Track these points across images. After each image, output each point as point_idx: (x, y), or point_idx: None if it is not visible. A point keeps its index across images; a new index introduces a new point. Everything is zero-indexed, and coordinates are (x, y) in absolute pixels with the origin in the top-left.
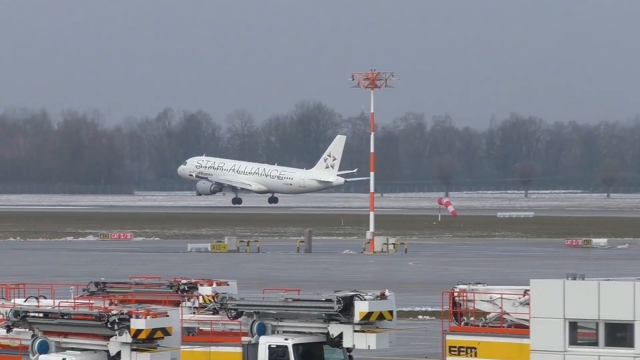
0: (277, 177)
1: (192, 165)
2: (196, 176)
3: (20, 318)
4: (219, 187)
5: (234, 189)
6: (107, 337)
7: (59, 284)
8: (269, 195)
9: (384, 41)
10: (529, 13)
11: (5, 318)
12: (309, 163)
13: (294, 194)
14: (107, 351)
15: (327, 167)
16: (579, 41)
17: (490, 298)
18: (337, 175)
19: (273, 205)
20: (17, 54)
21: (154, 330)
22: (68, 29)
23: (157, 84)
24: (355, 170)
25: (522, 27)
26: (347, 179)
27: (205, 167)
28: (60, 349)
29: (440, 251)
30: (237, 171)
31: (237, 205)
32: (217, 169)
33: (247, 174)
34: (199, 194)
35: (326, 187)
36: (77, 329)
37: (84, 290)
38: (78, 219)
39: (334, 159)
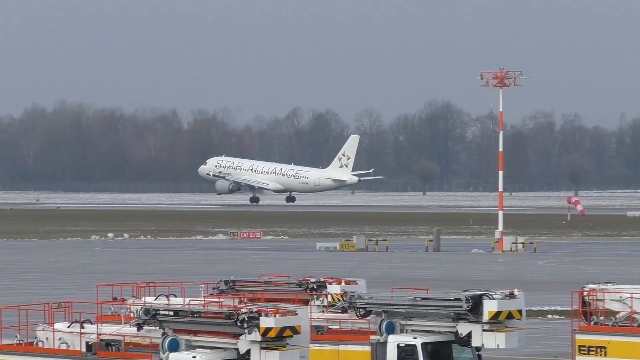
0: (294, 176)
1: (212, 165)
2: (213, 175)
3: (151, 316)
4: (237, 187)
5: (251, 188)
6: (236, 336)
7: (189, 282)
8: (287, 194)
9: (513, 40)
10: None
11: (136, 316)
12: (438, 162)
13: (310, 192)
14: (237, 349)
15: (341, 166)
16: None
17: (620, 297)
18: (352, 174)
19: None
20: (145, 54)
21: (283, 329)
22: (198, 31)
23: (286, 83)
24: (371, 170)
25: None
26: (362, 178)
27: (225, 167)
28: (190, 347)
29: (570, 250)
30: (255, 171)
31: (254, 204)
32: (236, 168)
33: (265, 173)
34: (219, 194)
35: (340, 185)
36: (206, 327)
37: (213, 288)
38: (208, 218)
39: (348, 158)
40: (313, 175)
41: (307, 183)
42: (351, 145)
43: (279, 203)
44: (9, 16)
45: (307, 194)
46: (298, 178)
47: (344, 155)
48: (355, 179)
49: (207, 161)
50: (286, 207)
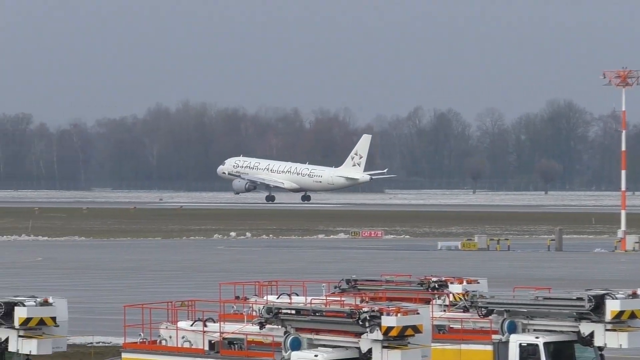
0: (308, 175)
1: (230, 165)
2: (229, 174)
3: (273, 315)
4: (253, 185)
5: (267, 187)
6: (358, 334)
7: (310, 281)
8: (302, 193)
9: (636, 38)
10: None
11: (258, 315)
12: (560, 161)
13: (324, 191)
14: (358, 348)
15: (353, 165)
16: None
17: None
18: (366, 173)
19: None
20: (267, 55)
21: (405, 328)
22: (319, 32)
23: (407, 83)
24: (385, 170)
25: None
26: (373, 177)
27: (242, 166)
28: (312, 345)
29: None
30: (271, 170)
31: (270, 202)
32: (253, 168)
33: (280, 172)
34: (237, 193)
35: (353, 183)
36: (328, 326)
37: (335, 287)
38: (329, 217)
39: (360, 157)
40: (327, 174)
41: (320, 181)
42: (363, 145)
43: (295, 202)
44: (139, 19)
45: (322, 192)
46: (312, 177)
47: (356, 154)
48: (367, 177)
49: (225, 161)
50: (408, 207)
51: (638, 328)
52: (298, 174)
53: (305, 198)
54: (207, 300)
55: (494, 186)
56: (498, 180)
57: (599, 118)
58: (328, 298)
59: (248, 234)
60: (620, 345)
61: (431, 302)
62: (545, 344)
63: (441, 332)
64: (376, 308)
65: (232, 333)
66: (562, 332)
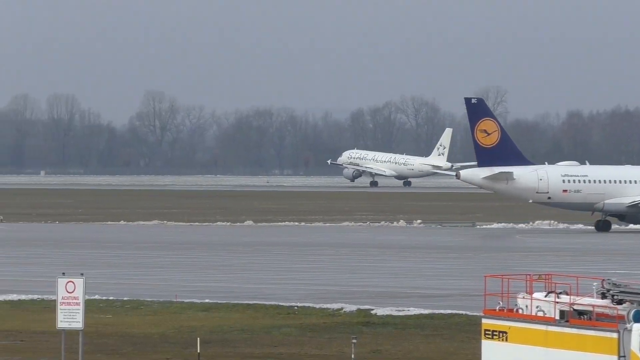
0: (403, 164)
1: (345, 157)
2: (344, 165)
3: (620, 292)
4: (359, 173)
5: (371, 174)
6: None
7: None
8: (403, 179)
9: None
10: None
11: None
12: None
13: (415, 177)
14: None
15: (438, 155)
16: None
17: None
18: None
19: (407, 187)
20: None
21: None
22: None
23: None
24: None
25: None
26: (454, 165)
27: (354, 158)
28: None
29: None
30: (375, 160)
31: (373, 187)
32: (362, 159)
33: (383, 162)
34: (349, 179)
35: (437, 170)
36: None
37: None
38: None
39: (444, 148)
40: (417, 163)
41: (412, 169)
42: (446, 137)
43: (395, 185)
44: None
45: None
46: (407, 165)
47: (441, 145)
48: (449, 164)
49: (343, 154)
50: None
51: None
52: (396, 163)
53: (407, 183)
54: (564, 274)
55: None
56: None
57: None
58: None
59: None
60: None
61: None
62: None
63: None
64: None
65: (581, 305)
66: None
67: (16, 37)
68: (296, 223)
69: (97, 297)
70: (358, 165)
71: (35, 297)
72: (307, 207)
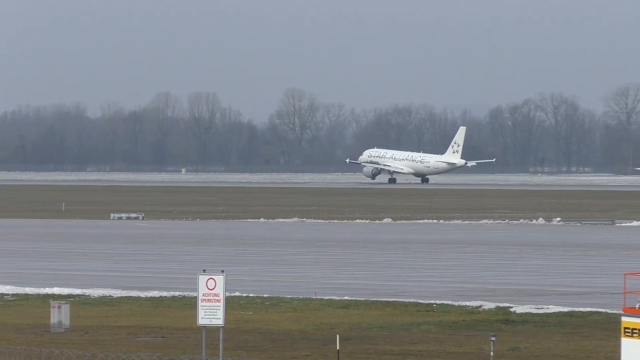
0: (420, 162)
1: (366, 155)
2: (363, 163)
3: None
4: (378, 171)
5: (389, 172)
6: None
7: None
8: (420, 176)
9: None
10: None
11: None
12: None
13: (431, 174)
14: None
15: (453, 152)
16: None
17: None
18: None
19: (425, 184)
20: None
21: None
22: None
23: None
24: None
25: None
26: (469, 163)
27: (374, 156)
28: None
29: None
30: (394, 158)
31: (391, 184)
32: (381, 157)
33: (400, 160)
34: (367, 177)
35: (452, 168)
36: None
37: None
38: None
39: (458, 146)
40: (433, 160)
41: (429, 167)
42: (460, 136)
43: (414, 182)
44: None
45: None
46: (423, 163)
47: (455, 143)
48: (463, 161)
49: (364, 152)
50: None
51: None
52: (413, 160)
53: (424, 180)
54: None
55: None
56: None
57: None
58: None
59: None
60: None
61: None
62: None
63: None
64: None
65: None
66: None
67: (156, 36)
68: (434, 220)
69: (237, 294)
70: (377, 163)
71: (176, 294)
72: (445, 204)
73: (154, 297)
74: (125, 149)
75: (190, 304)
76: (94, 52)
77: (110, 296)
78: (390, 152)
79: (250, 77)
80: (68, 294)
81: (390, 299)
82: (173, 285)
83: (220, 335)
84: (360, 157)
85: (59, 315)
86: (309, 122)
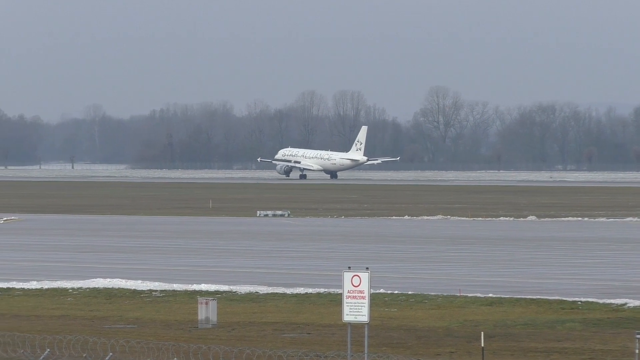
0: (327, 159)
1: (281, 154)
2: (275, 160)
3: None
4: (290, 168)
5: (300, 169)
6: None
7: None
8: (329, 173)
9: None
10: None
11: None
12: None
13: (338, 170)
14: None
15: (357, 150)
16: None
17: None
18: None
19: (334, 180)
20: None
21: None
22: None
23: None
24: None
25: None
26: (370, 160)
27: (287, 155)
28: None
29: None
30: (305, 157)
31: (302, 179)
32: (294, 156)
33: (311, 158)
34: (280, 174)
35: (356, 164)
36: None
37: None
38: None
39: (361, 144)
40: (338, 158)
41: (335, 164)
42: (362, 134)
43: (322, 177)
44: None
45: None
46: (330, 160)
47: (358, 141)
48: (365, 158)
49: (279, 151)
50: None
51: None
52: (321, 158)
53: (333, 176)
54: None
55: None
56: None
57: None
58: None
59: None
60: None
61: None
62: None
63: None
64: None
65: None
66: None
67: (302, 35)
68: (579, 218)
69: (382, 290)
70: (289, 161)
71: (321, 290)
72: (590, 202)
73: (300, 293)
74: (270, 146)
75: (335, 301)
76: (240, 52)
77: (257, 292)
78: (302, 151)
79: (394, 75)
80: (215, 291)
81: (534, 297)
82: (318, 282)
83: (366, 332)
84: (276, 155)
85: (207, 312)
86: (453, 120)
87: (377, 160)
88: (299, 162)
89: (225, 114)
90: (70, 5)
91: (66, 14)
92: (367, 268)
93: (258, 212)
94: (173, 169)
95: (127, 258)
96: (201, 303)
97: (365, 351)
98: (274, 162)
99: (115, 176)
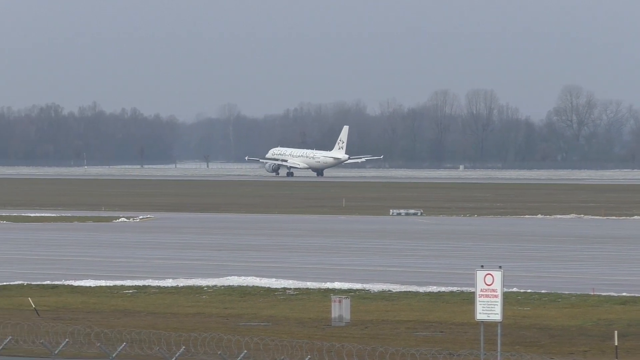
0: (312, 157)
1: (271, 153)
2: (265, 159)
3: None
4: (277, 166)
5: (287, 167)
6: None
7: None
8: (315, 171)
9: None
10: None
11: None
12: None
13: (322, 168)
14: None
15: (339, 149)
16: None
17: None
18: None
19: (320, 177)
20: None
21: None
22: None
23: None
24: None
25: None
26: (353, 159)
27: (277, 154)
28: None
29: None
30: (292, 155)
31: (290, 177)
32: (282, 155)
33: (297, 157)
34: (269, 172)
35: (338, 162)
36: None
37: None
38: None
39: (343, 142)
40: (322, 156)
41: (319, 162)
42: (344, 134)
43: (309, 175)
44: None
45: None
46: (314, 159)
47: (340, 140)
48: (347, 156)
49: (269, 151)
50: None
51: None
52: (307, 157)
53: (320, 174)
54: None
55: None
56: None
57: None
58: None
59: None
60: None
61: None
62: None
63: None
64: None
65: None
66: None
67: (430, 35)
68: None
69: (514, 289)
70: (277, 160)
71: (454, 289)
72: None
73: (432, 292)
74: (403, 145)
75: (468, 299)
76: (373, 50)
77: (390, 291)
78: (290, 150)
79: (527, 74)
80: (348, 289)
81: None
82: (451, 280)
83: (498, 331)
84: (267, 154)
85: (340, 310)
86: (586, 119)
87: (361, 158)
88: (286, 161)
89: (358, 113)
90: (196, 7)
91: (200, 15)
92: (500, 267)
93: (391, 210)
94: None
95: (261, 256)
96: (334, 301)
97: (498, 350)
98: (261, 160)
99: (249, 175)
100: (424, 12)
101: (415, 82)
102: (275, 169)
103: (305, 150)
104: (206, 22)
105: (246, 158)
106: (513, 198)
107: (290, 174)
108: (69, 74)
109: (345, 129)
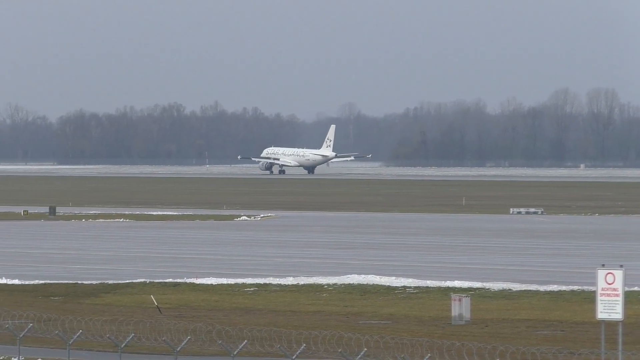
0: (302, 156)
1: (265, 152)
2: (259, 157)
3: None
4: (270, 165)
5: (279, 165)
6: None
7: None
8: (307, 168)
9: None
10: None
11: None
12: None
13: (311, 165)
14: None
15: (327, 147)
16: None
17: None
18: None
19: (311, 175)
20: None
21: None
22: None
23: None
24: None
25: None
26: (341, 156)
27: (270, 153)
28: None
29: None
30: (284, 154)
31: (282, 174)
32: (275, 153)
33: (289, 155)
34: (262, 170)
35: (326, 160)
36: None
37: None
38: None
39: (330, 141)
40: (311, 154)
41: (308, 160)
42: (331, 133)
43: (300, 173)
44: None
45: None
46: (304, 157)
47: (328, 139)
48: (334, 154)
49: (264, 150)
50: None
51: None
52: (297, 155)
53: (311, 171)
54: None
55: None
56: None
57: None
58: None
59: None
60: None
61: None
62: None
63: None
64: None
65: None
66: None
67: (552, 34)
68: None
69: (636, 288)
70: (269, 158)
71: (575, 287)
72: None
73: (553, 291)
74: (524, 144)
75: (589, 298)
76: (492, 49)
77: (510, 289)
78: (282, 149)
79: None
80: (468, 287)
81: None
82: (572, 279)
83: (619, 330)
84: (261, 154)
85: (460, 308)
86: None
87: (349, 156)
88: (278, 160)
89: (478, 112)
90: (312, 11)
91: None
92: (621, 266)
93: (511, 209)
94: (426, 167)
95: (381, 254)
96: (454, 300)
97: (619, 349)
98: (253, 159)
99: (369, 173)
100: (543, 10)
101: (535, 81)
102: (268, 167)
103: (295, 149)
104: (328, 25)
105: (238, 157)
106: (635, 197)
107: (282, 172)
108: (191, 73)
109: (332, 128)
